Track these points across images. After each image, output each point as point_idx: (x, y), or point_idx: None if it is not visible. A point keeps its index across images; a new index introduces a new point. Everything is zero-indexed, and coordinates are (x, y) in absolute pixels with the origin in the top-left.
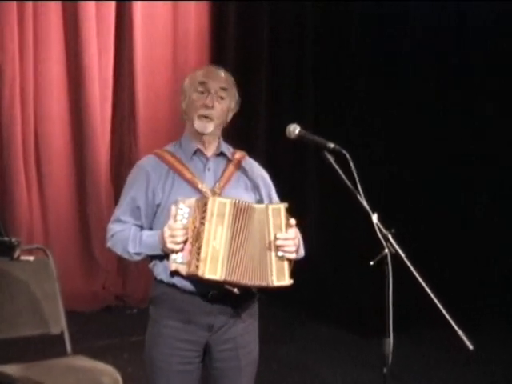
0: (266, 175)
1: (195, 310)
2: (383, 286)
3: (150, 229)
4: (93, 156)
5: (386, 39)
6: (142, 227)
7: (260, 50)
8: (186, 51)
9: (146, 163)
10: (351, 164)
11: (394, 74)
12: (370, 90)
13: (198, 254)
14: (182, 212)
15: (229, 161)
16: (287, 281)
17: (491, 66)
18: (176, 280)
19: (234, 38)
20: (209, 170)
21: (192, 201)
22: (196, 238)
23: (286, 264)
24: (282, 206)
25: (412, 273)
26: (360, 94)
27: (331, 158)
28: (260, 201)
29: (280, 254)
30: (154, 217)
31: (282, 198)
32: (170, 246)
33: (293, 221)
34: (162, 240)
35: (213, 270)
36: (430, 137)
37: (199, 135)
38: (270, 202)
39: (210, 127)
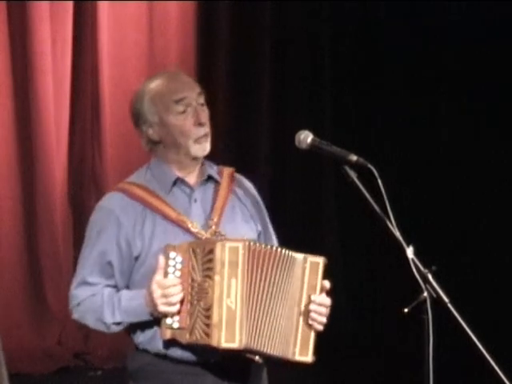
0: (258, 195)
1: None
2: (421, 340)
3: (127, 287)
4: (44, 174)
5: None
6: (115, 287)
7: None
8: (166, 37)
9: (113, 204)
10: (379, 182)
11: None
12: (401, 93)
13: (208, 317)
14: (173, 263)
15: (217, 184)
16: (310, 357)
17: None
18: (170, 350)
19: (227, 24)
20: (195, 201)
21: (184, 246)
22: (199, 295)
23: (312, 336)
24: (322, 261)
25: (459, 324)
26: (389, 98)
27: (354, 175)
28: (260, 232)
29: (310, 321)
30: (131, 273)
31: (291, 231)
32: (162, 309)
33: (327, 283)
34: (150, 302)
35: (230, 336)
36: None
37: (193, 161)
38: (267, 233)
39: (208, 145)
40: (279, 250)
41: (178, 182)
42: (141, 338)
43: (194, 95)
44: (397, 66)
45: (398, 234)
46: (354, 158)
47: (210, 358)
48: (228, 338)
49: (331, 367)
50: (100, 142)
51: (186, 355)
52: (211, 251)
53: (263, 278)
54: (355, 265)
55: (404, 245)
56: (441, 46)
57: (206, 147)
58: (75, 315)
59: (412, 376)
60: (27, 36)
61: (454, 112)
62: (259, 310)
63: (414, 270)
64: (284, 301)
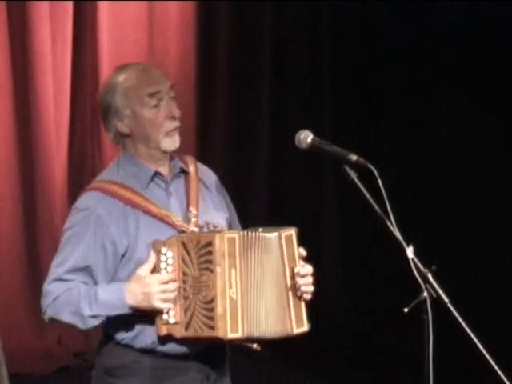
0: (218, 180)
1: (182, 378)
2: (421, 341)
3: None
4: (44, 174)
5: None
6: (87, 284)
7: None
8: (166, 37)
9: (94, 204)
10: (379, 182)
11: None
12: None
13: (210, 309)
14: (164, 258)
15: (186, 175)
16: (306, 326)
17: None
18: (158, 345)
19: (227, 24)
20: (171, 194)
21: (173, 241)
22: (195, 288)
23: (303, 305)
24: (294, 231)
25: (459, 324)
26: (390, 99)
27: (354, 174)
28: (228, 218)
29: (299, 293)
30: (115, 271)
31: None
32: (159, 304)
33: (303, 251)
34: (141, 296)
35: (234, 327)
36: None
37: (163, 154)
38: (233, 218)
39: (178, 139)
40: (261, 235)
41: (155, 176)
42: (125, 334)
43: (167, 89)
44: (397, 65)
45: (397, 233)
46: (353, 157)
47: (192, 350)
48: (233, 328)
49: (331, 367)
50: (100, 142)
51: (174, 349)
52: (209, 244)
53: (254, 266)
54: (355, 265)
55: (404, 245)
56: (441, 45)
57: (176, 140)
58: (49, 313)
59: (412, 376)
60: (27, 36)
61: (454, 112)
62: (255, 297)
63: (414, 269)
64: (272, 282)
